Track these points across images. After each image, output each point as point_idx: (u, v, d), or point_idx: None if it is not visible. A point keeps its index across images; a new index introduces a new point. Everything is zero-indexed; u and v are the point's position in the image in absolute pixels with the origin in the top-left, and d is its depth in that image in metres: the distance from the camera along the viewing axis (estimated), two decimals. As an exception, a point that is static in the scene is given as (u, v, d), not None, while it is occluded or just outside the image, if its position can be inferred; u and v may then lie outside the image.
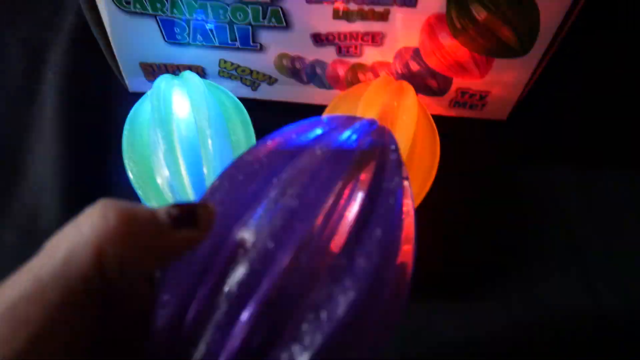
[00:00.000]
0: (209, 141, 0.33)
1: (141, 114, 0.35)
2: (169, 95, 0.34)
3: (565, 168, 0.42)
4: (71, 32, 0.46)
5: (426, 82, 0.40)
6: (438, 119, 0.42)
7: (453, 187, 0.38)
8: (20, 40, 0.47)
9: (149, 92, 0.36)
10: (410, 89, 0.37)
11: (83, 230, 0.16)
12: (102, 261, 0.16)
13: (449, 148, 0.37)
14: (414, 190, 0.32)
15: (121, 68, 0.41)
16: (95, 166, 0.39)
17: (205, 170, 0.33)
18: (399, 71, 0.40)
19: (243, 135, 0.36)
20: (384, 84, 0.36)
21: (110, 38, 0.38)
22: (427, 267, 0.32)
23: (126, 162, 0.34)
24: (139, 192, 0.34)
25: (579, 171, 0.42)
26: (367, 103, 0.34)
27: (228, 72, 0.40)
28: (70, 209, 0.37)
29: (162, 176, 0.35)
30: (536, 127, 0.44)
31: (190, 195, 0.33)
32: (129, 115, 0.36)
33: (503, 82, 0.40)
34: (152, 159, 0.34)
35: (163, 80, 0.35)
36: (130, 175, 0.34)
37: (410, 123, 0.34)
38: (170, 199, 0.34)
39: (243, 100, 0.42)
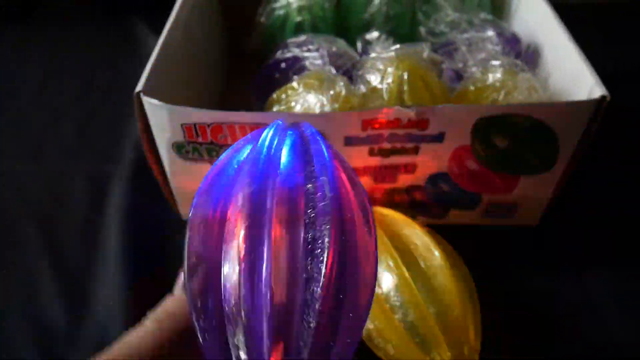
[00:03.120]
0: None
1: None
2: None
3: (600, 271, 0.44)
4: (129, 165, 0.52)
5: (458, 200, 0.43)
6: (470, 227, 0.45)
7: (489, 293, 0.38)
8: (83, 173, 0.52)
9: None
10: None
11: None
12: None
13: (483, 255, 0.39)
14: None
15: (177, 201, 0.45)
16: (154, 293, 0.42)
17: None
18: (431, 191, 0.43)
19: None
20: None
21: (168, 178, 0.43)
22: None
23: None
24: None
25: (613, 274, 0.43)
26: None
27: (274, 200, 0.44)
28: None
29: None
30: (568, 232, 0.46)
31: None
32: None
33: (530, 194, 0.43)
34: None
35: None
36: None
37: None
38: None
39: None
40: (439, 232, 0.38)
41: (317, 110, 0.37)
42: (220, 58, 0.60)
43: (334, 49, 0.43)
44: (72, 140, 0.56)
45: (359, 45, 0.48)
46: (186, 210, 0.46)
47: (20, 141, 0.56)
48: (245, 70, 0.55)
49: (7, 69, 0.66)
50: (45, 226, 0.48)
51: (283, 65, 0.46)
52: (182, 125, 0.37)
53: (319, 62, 0.43)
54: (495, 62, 0.40)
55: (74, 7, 0.77)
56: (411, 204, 0.44)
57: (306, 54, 0.43)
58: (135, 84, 0.37)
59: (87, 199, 0.50)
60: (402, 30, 0.52)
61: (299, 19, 0.51)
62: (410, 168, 0.40)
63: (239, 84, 0.57)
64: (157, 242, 0.46)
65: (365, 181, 0.41)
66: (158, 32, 0.42)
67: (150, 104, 0.37)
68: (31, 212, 0.49)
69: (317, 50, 0.43)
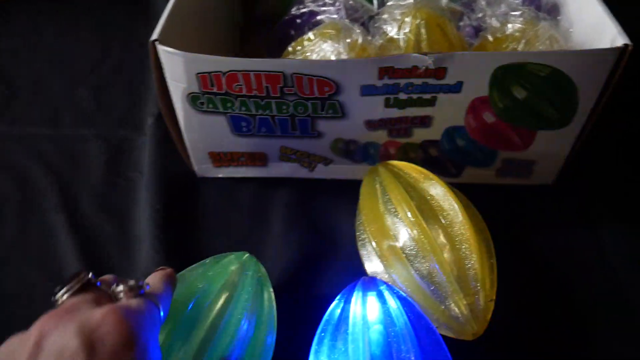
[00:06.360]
0: None
1: None
2: None
3: (615, 228, 0.43)
4: (144, 128, 0.52)
5: (473, 156, 0.43)
6: (485, 186, 0.44)
7: (504, 248, 0.37)
8: (99, 136, 0.53)
9: None
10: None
11: None
12: None
13: (498, 214, 0.38)
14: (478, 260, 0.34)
15: (191, 157, 0.46)
16: (168, 248, 0.43)
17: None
18: (447, 146, 0.42)
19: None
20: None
21: (183, 132, 0.43)
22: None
23: None
24: None
25: (628, 233, 0.43)
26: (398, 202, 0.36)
27: (288, 156, 0.44)
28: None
29: None
30: (583, 190, 0.46)
31: None
32: None
33: (547, 151, 0.42)
34: None
35: None
36: None
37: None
38: None
39: (301, 180, 0.46)
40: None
41: (333, 59, 0.37)
42: (235, 18, 0.60)
43: (350, 2, 0.43)
44: (88, 106, 0.56)
45: (375, 1, 0.47)
46: (199, 165, 0.46)
47: (37, 107, 0.57)
48: (258, 31, 0.54)
49: (24, 37, 0.66)
50: (63, 188, 0.48)
51: (299, 21, 0.45)
52: (197, 74, 0.37)
53: (335, 15, 0.42)
54: (515, 13, 0.39)
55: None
56: (425, 161, 0.44)
57: (322, 8, 0.43)
58: (149, 50, 0.37)
59: (102, 162, 0.50)
60: (419, -12, 0.51)
61: (314, -24, 0.51)
62: (426, 121, 0.40)
63: (252, 45, 0.57)
64: (171, 198, 0.46)
65: (381, 135, 0.41)
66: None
67: (165, 52, 0.37)
68: (49, 174, 0.49)
69: (333, 4, 0.43)
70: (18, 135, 0.53)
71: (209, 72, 0.37)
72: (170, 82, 0.39)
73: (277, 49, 0.47)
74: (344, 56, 0.37)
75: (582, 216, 0.44)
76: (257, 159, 0.45)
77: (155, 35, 0.37)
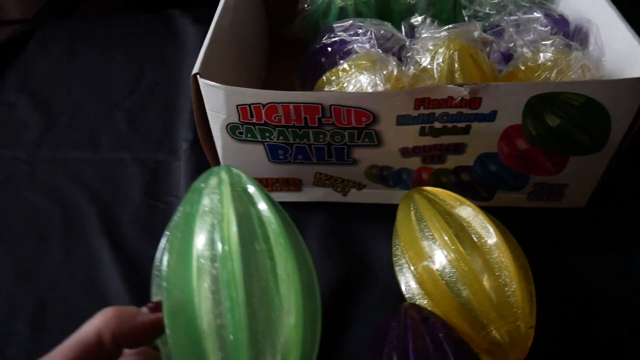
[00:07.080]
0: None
1: None
2: None
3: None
4: (180, 152, 0.54)
5: (505, 181, 0.43)
6: (516, 209, 0.45)
7: (540, 272, 0.37)
8: (137, 160, 0.54)
9: None
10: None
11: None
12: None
13: (531, 238, 0.39)
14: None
15: (227, 182, 0.47)
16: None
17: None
18: (479, 172, 0.43)
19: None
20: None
21: (220, 159, 0.44)
22: None
23: None
24: None
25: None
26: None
27: (322, 181, 0.45)
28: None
29: None
30: (617, 213, 0.46)
31: None
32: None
33: (579, 175, 0.43)
34: None
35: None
36: None
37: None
38: None
39: (334, 204, 0.47)
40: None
41: (370, 90, 0.38)
42: (264, 45, 0.61)
43: (381, 31, 0.44)
44: (124, 130, 0.58)
45: (403, 29, 0.48)
46: (236, 192, 0.47)
47: (76, 131, 0.58)
48: (285, 58, 0.56)
49: (60, 64, 0.69)
50: (105, 211, 0.49)
51: (329, 49, 0.46)
52: (237, 106, 0.38)
53: (366, 45, 0.43)
54: (547, 42, 0.39)
55: (115, 2, 0.80)
56: (457, 186, 0.44)
57: (353, 37, 0.44)
58: (181, 74, 0.38)
59: (141, 185, 0.52)
60: (445, 14, 0.52)
61: (342, 4, 0.52)
62: (460, 148, 0.40)
63: (279, 72, 0.58)
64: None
65: (414, 161, 0.42)
66: (198, 23, 0.42)
67: (206, 85, 0.38)
68: (90, 198, 0.51)
69: (365, 33, 0.44)
70: (60, 159, 0.55)
71: (249, 104, 0.38)
72: (209, 113, 0.40)
73: (309, 76, 0.48)
74: (380, 87, 0.38)
75: (617, 240, 0.44)
76: (292, 184, 0.46)
77: (196, 68, 0.38)
